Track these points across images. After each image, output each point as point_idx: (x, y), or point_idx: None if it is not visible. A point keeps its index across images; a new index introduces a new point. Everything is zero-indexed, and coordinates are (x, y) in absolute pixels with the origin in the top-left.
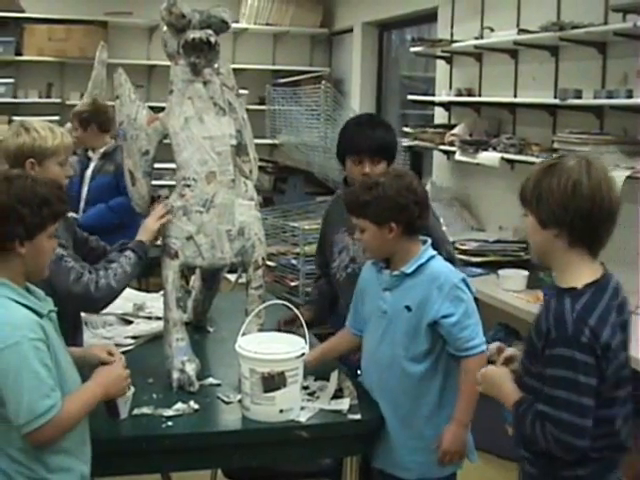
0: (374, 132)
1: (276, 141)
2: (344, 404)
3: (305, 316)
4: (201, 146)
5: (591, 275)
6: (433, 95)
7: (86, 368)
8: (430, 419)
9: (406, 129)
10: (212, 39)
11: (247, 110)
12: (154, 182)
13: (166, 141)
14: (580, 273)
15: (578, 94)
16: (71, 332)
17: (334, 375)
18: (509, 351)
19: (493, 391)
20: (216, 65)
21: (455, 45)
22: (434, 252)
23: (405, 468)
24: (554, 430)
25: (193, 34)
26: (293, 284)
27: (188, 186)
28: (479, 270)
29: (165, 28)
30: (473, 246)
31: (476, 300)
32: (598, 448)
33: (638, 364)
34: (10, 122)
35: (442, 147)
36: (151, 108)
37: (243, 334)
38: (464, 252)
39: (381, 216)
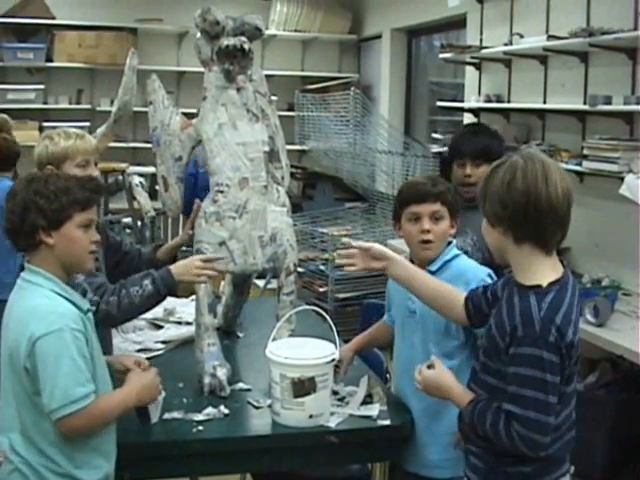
0: (476, 137)
1: (305, 147)
2: (374, 410)
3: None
4: (234, 152)
5: (554, 273)
6: (462, 101)
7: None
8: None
9: (435, 135)
10: (246, 46)
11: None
12: None
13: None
14: (540, 270)
15: (608, 100)
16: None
17: (364, 381)
18: None
19: (439, 392)
20: (249, 72)
21: (484, 51)
22: (458, 252)
23: (437, 466)
24: (521, 429)
25: (227, 41)
26: (322, 290)
27: (221, 192)
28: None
29: (199, 35)
30: None
31: None
32: (554, 447)
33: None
34: (41, 128)
35: None
36: (181, 114)
37: (274, 339)
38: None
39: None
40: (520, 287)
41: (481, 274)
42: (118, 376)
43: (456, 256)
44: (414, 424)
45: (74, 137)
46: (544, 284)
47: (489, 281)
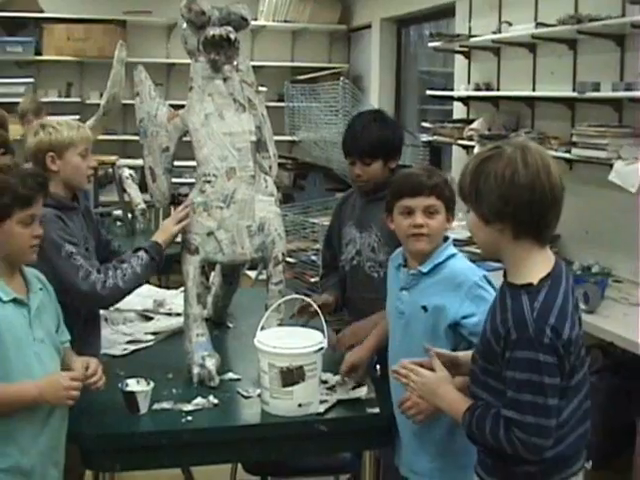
0: (364, 133)
1: (295, 138)
2: (362, 392)
3: (329, 301)
4: (221, 142)
5: (544, 267)
6: (452, 90)
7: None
8: (453, 425)
9: (425, 124)
10: (232, 36)
11: (266, 107)
12: (174, 180)
13: (186, 138)
14: (533, 266)
15: (596, 87)
16: (83, 327)
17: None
18: (454, 355)
19: (434, 398)
20: (236, 62)
21: (473, 40)
22: (455, 250)
23: (424, 475)
24: (522, 435)
25: (213, 31)
26: (313, 280)
27: (208, 182)
28: (498, 264)
29: (185, 25)
30: None
31: None
32: (558, 448)
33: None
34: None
35: (461, 142)
36: (170, 106)
37: (262, 329)
38: None
39: None
40: (512, 287)
41: (474, 277)
42: None
43: (451, 257)
44: (402, 428)
45: (76, 127)
46: (535, 281)
47: (484, 284)
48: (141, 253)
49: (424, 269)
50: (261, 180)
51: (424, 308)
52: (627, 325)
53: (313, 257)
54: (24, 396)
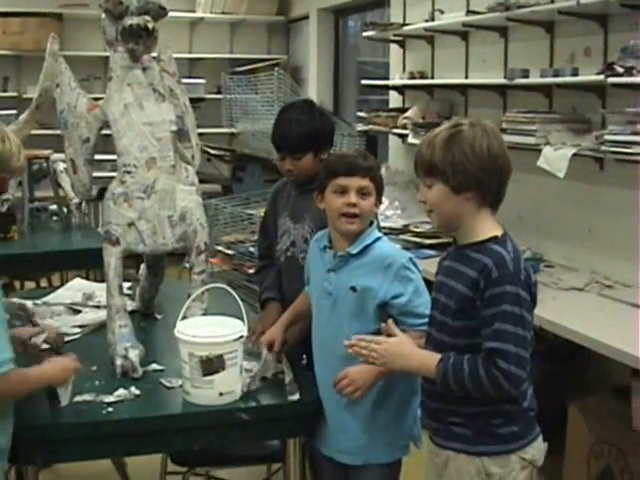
0: (291, 127)
1: (234, 130)
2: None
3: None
4: (141, 132)
5: (499, 228)
6: (388, 79)
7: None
8: (378, 401)
9: (360, 114)
10: (150, 25)
11: (205, 99)
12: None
13: (107, 131)
14: (491, 228)
15: (525, 74)
16: None
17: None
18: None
19: (402, 360)
20: (156, 52)
21: (407, 28)
22: (380, 234)
23: (350, 453)
24: (504, 364)
25: (131, 20)
26: (251, 271)
27: (128, 172)
28: (432, 252)
29: (103, 15)
30: (426, 228)
31: (426, 280)
32: (529, 398)
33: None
34: None
35: (396, 131)
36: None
37: (184, 318)
38: (418, 234)
39: None
40: (474, 244)
41: (401, 259)
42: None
43: (377, 239)
44: (327, 407)
45: None
46: (499, 234)
47: (410, 266)
48: None
49: (353, 250)
50: (182, 170)
51: (353, 289)
52: (555, 309)
53: (251, 248)
54: (42, 380)
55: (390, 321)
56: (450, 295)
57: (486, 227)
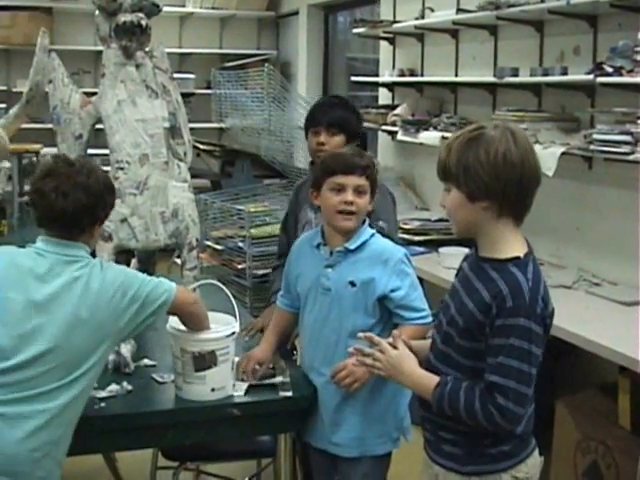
0: (332, 108)
1: (223, 125)
2: (276, 380)
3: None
4: (134, 129)
5: (523, 245)
6: (377, 76)
7: None
8: (373, 394)
9: None
10: (143, 22)
11: (194, 94)
12: None
13: (99, 126)
14: (513, 243)
15: (515, 72)
16: None
17: None
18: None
19: (400, 376)
20: (148, 48)
21: (397, 26)
22: (373, 230)
23: (345, 445)
24: (502, 400)
25: (124, 17)
26: (240, 267)
27: (121, 169)
28: (421, 249)
29: (97, 12)
30: (416, 225)
31: (417, 277)
32: (524, 424)
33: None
34: None
35: (385, 127)
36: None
37: None
38: (407, 231)
39: None
40: (494, 261)
41: (398, 254)
42: None
43: (372, 235)
44: (317, 398)
45: None
46: (521, 255)
47: (406, 261)
48: None
49: (351, 246)
50: (174, 166)
51: (352, 283)
52: None
53: (240, 244)
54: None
55: (395, 333)
56: (460, 311)
57: (508, 244)
